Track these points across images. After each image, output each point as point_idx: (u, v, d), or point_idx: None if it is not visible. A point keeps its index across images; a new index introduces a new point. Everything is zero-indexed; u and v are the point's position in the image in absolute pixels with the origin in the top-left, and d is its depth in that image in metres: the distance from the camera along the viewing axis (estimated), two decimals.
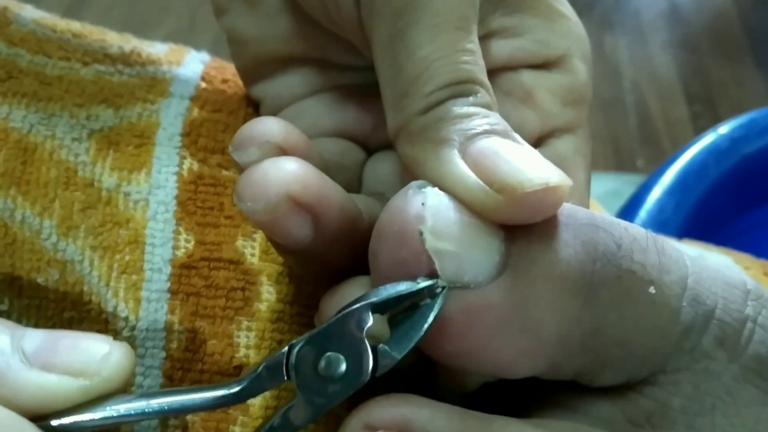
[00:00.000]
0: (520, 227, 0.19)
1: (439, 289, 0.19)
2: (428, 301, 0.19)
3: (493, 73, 0.24)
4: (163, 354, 0.25)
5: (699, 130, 1.03)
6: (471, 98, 0.20)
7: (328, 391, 0.19)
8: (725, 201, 0.72)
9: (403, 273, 0.19)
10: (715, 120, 0.85)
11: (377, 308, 0.19)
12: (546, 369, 0.19)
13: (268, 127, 0.21)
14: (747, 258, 0.35)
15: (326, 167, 0.24)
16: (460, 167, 0.19)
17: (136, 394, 0.20)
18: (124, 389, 0.20)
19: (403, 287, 0.19)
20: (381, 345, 0.19)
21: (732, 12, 1.60)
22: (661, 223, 0.66)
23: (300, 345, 0.19)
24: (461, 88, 0.20)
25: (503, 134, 0.20)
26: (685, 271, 0.20)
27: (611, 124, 1.34)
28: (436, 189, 0.19)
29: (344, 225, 0.21)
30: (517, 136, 0.20)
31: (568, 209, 0.19)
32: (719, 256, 0.34)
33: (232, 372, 0.25)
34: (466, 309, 0.18)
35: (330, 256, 0.21)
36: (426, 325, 0.18)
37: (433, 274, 0.19)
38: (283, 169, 0.20)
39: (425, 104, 0.20)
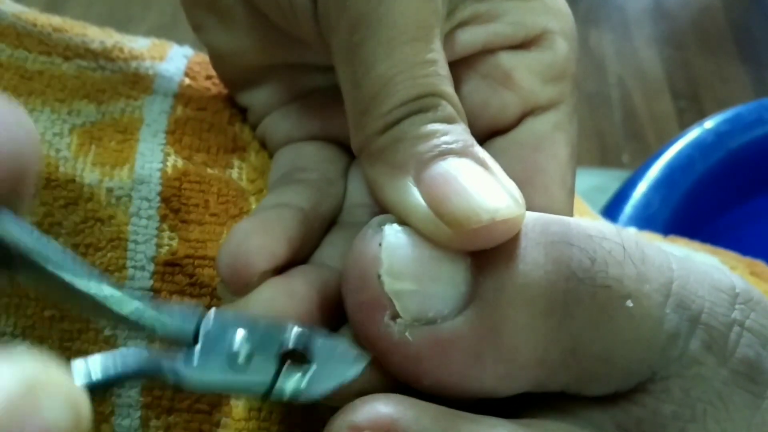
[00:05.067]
0: (487, 251, 0.18)
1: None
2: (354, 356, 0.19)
3: (470, 57, 0.24)
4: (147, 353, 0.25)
5: (684, 125, 1.03)
6: (430, 113, 0.20)
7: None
8: (711, 196, 0.72)
9: (368, 316, 0.19)
10: (701, 115, 0.86)
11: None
12: (531, 387, 0.19)
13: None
14: (733, 257, 0.34)
15: (312, 197, 0.25)
16: (413, 198, 0.19)
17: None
18: None
19: (351, 373, 0.19)
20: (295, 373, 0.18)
21: (717, 7, 1.60)
22: (647, 218, 0.66)
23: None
24: (420, 103, 0.20)
25: (461, 152, 0.19)
26: (669, 275, 0.19)
27: (596, 119, 1.34)
28: (395, 225, 0.19)
29: (325, 309, 0.21)
30: (477, 150, 0.19)
31: (540, 224, 0.19)
32: (705, 256, 0.34)
33: None
34: (435, 344, 0.18)
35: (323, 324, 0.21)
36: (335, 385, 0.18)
37: (397, 315, 0.18)
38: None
39: (383, 124, 0.20)
